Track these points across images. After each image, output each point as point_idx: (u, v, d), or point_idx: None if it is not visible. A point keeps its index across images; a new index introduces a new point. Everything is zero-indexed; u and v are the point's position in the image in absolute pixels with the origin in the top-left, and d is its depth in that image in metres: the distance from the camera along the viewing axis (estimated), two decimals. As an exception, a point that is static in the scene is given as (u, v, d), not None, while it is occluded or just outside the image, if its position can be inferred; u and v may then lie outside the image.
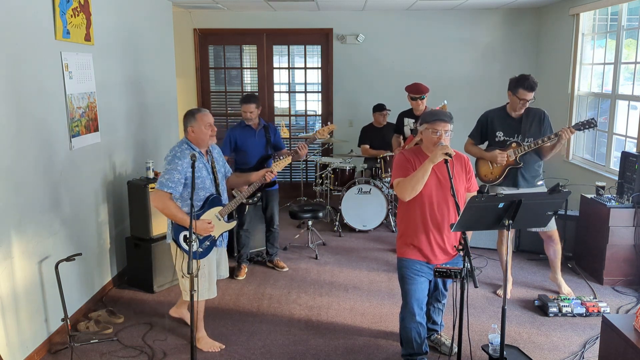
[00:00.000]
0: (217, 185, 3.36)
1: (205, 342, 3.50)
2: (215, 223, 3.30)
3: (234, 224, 3.45)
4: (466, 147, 4.20)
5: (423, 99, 4.91)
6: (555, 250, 4.15)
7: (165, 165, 3.20)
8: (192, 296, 2.82)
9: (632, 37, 5.15)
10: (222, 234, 3.40)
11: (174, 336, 3.65)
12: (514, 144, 3.95)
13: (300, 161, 7.33)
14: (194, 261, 3.26)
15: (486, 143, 4.18)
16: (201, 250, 3.26)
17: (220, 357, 3.39)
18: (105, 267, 4.36)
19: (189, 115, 3.26)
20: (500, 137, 4.02)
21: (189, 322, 3.65)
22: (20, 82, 3.18)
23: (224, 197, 3.44)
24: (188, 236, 3.09)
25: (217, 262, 3.49)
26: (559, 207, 2.74)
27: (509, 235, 4.16)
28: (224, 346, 3.51)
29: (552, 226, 4.05)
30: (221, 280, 4.57)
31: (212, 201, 3.30)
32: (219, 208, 3.32)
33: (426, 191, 2.92)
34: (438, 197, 2.94)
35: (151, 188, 4.15)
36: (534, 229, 4.23)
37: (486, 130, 4.11)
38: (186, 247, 3.19)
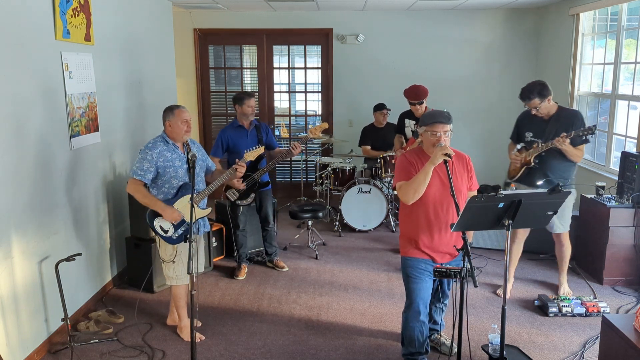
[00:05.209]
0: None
1: (188, 332, 3.58)
2: (189, 209, 3.37)
3: (209, 210, 3.55)
4: (508, 148, 4.28)
5: (422, 103, 4.90)
6: (561, 252, 4.16)
7: (138, 154, 3.38)
8: (192, 296, 2.84)
9: (632, 37, 5.15)
10: (198, 220, 3.52)
11: (174, 336, 3.66)
12: (535, 145, 3.98)
13: (299, 160, 7.36)
14: (171, 246, 3.46)
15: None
16: (176, 236, 3.42)
17: (221, 357, 3.39)
18: (105, 267, 4.36)
19: (168, 111, 3.44)
20: (529, 137, 4.06)
21: (178, 318, 3.71)
22: (20, 82, 3.18)
23: (200, 186, 3.54)
24: (163, 226, 3.41)
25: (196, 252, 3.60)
26: (559, 207, 2.74)
27: (516, 237, 4.17)
28: (204, 337, 3.60)
29: (560, 229, 4.04)
30: (221, 279, 4.62)
31: (184, 188, 3.45)
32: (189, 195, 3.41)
33: (429, 191, 2.92)
34: (441, 197, 2.94)
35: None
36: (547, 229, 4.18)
37: (519, 130, 4.16)
38: (161, 233, 3.43)
